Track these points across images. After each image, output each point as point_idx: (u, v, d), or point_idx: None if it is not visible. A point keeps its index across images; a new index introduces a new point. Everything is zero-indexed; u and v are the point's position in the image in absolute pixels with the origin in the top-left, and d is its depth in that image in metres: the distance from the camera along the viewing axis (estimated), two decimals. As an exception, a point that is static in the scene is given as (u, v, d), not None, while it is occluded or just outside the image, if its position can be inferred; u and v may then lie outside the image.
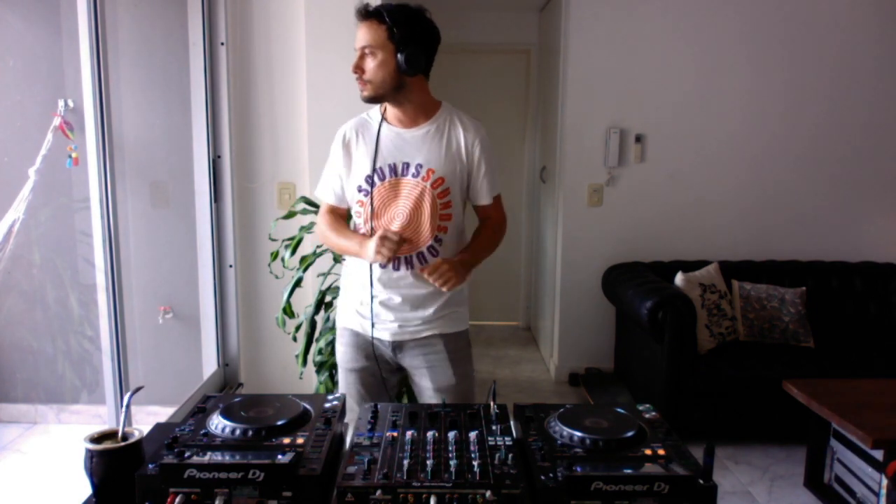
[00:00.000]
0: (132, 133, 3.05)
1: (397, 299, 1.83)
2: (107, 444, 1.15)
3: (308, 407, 1.28)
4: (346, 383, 1.94)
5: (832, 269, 3.72)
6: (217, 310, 3.16)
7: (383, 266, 1.81)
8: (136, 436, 1.18)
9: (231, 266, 3.18)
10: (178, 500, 1.02)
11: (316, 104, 3.04)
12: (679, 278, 3.33)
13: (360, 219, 1.86)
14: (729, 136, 3.84)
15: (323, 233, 1.91)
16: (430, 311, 1.85)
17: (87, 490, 1.17)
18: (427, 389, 1.88)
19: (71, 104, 2.87)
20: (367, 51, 1.70)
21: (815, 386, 2.56)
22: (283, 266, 2.75)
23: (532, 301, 5.03)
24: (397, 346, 1.87)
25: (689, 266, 3.53)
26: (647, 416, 1.29)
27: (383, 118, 1.83)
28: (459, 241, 1.90)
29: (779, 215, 3.90)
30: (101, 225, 2.18)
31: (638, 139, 3.83)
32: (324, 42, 3.01)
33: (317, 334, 2.74)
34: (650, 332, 3.10)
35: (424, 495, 1.00)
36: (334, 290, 2.76)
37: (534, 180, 4.87)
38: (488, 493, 1.00)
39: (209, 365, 3.20)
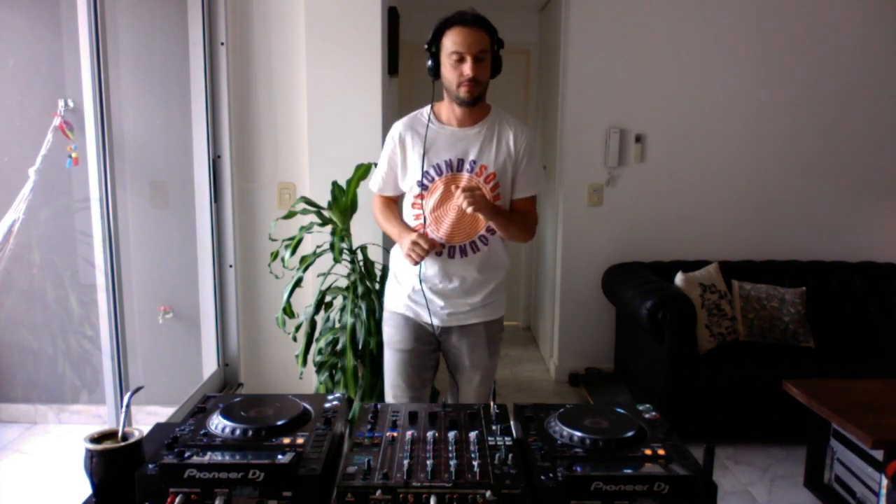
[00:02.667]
0: (132, 133, 3.04)
1: (450, 285, 2.00)
2: (107, 444, 1.15)
3: (308, 407, 1.28)
4: (395, 362, 2.11)
5: (832, 269, 3.72)
6: (217, 310, 3.16)
7: (439, 254, 1.98)
8: (136, 436, 1.18)
9: (231, 266, 3.18)
10: (178, 500, 1.02)
11: (316, 104, 3.04)
12: (679, 278, 3.33)
13: (418, 209, 2.00)
14: (729, 136, 3.84)
15: (376, 216, 2.13)
16: (478, 297, 2.04)
17: (87, 490, 1.17)
18: (463, 366, 2.09)
19: (71, 104, 2.87)
20: (481, 55, 1.85)
21: (815, 386, 2.56)
22: (283, 266, 2.75)
23: (532, 301, 5.03)
24: (444, 330, 2.06)
25: (689, 266, 3.53)
26: (647, 416, 1.29)
27: (436, 118, 1.98)
28: None
29: (779, 215, 3.90)
30: (101, 225, 2.18)
31: (638, 139, 3.83)
32: (324, 42, 3.01)
33: (317, 334, 2.74)
34: (650, 332, 3.10)
35: (424, 495, 1.00)
36: (334, 290, 2.76)
37: (534, 180, 4.87)
38: (488, 493, 1.00)
39: (209, 365, 3.20)
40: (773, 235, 3.90)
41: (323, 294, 2.74)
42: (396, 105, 4.16)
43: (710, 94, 3.80)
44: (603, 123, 3.82)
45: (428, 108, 2.01)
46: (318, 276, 2.83)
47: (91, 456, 1.14)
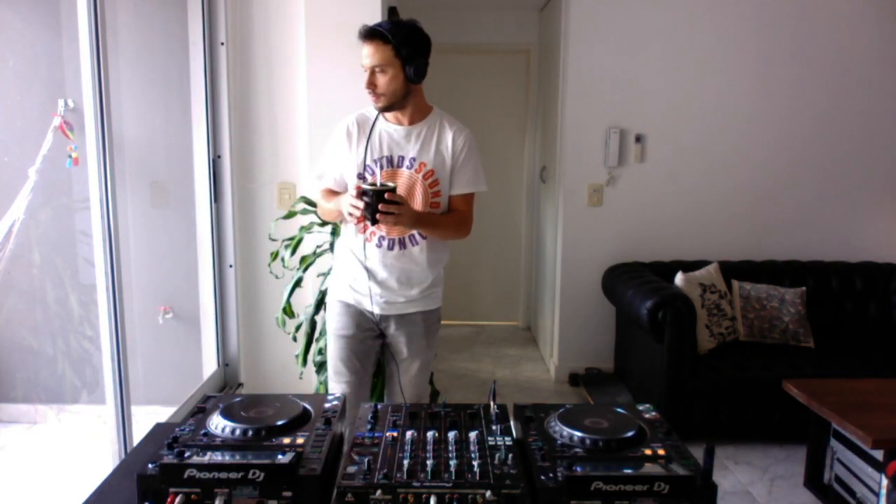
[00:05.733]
0: (132, 133, 3.05)
1: (389, 276, 2.08)
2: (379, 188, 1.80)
3: (308, 407, 1.28)
4: (336, 348, 2.19)
5: (832, 269, 3.72)
6: (217, 310, 3.16)
7: (378, 246, 2.06)
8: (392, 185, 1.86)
9: (231, 266, 3.18)
10: (178, 500, 1.02)
11: (316, 104, 3.04)
12: (679, 278, 3.33)
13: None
14: (729, 135, 3.84)
15: (321, 206, 2.17)
16: (415, 290, 2.12)
17: (87, 490, 1.17)
18: (402, 354, 2.18)
19: (71, 104, 2.87)
20: (377, 69, 1.92)
21: (815, 386, 2.56)
22: (283, 266, 2.75)
23: (532, 301, 5.03)
24: (384, 318, 2.14)
25: (689, 266, 3.53)
26: (647, 416, 1.29)
27: (382, 116, 2.05)
28: None
29: (779, 215, 3.90)
30: (101, 225, 2.18)
31: (638, 139, 3.83)
32: (324, 42, 3.01)
33: (317, 334, 2.74)
34: (650, 332, 3.10)
35: (424, 495, 1.00)
36: (334, 290, 2.76)
37: (534, 180, 4.87)
38: (488, 493, 1.00)
39: (209, 365, 3.20)
40: (773, 235, 3.90)
41: (323, 294, 2.74)
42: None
43: (710, 94, 3.80)
44: (603, 123, 3.82)
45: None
46: (318, 276, 2.83)
47: (366, 193, 1.81)
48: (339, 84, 3.03)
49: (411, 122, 2.05)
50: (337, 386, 2.21)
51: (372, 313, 2.12)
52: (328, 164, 2.13)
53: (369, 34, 1.91)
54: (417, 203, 2.04)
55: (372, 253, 2.07)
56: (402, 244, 2.06)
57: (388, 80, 1.93)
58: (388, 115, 2.05)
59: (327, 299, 2.25)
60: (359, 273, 2.10)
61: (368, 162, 2.03)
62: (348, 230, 2.13)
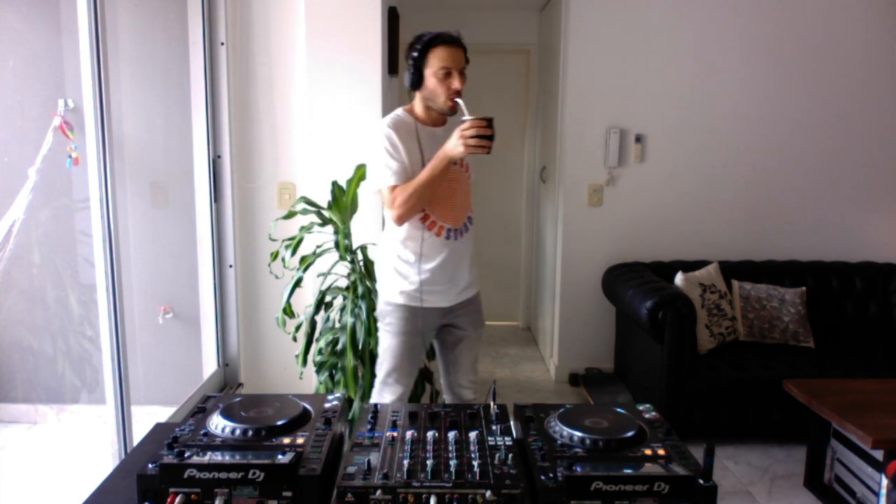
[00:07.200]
0: (132, 133, 3.04)
1: (459, 266, 2.21)
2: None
3: (308, 407, 1.28)
4: (406, 348, 2.24)
5: (832, 269, 3.72)
6: (217, 310, 3.16)
7: (448, 238, 2.15)
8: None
9: (231, 266, 3.18)
10: (178, 500, 1.02)
11: (316, 104, 3.04)
12: (679, 278, 3.33)
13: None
14: (729, 135, 3.84)
15: (405, 193, 2.06)
16: (471, 270, 2.27)
17: (87, 490, 1.17)
18: (466, 333, 2.31)
19: (71, 104, 2.87)
20: (461, 71, 2.13)
21: (815, 386, 2.56)
22: (283, 266, 2.75)
23: (532, 301, 5.03)
24: (449, 309, 2.24)
25: (689, 266, 3.53)
26: (647, 416, 1.29)
27: (418, 121, 2.18)
28: None
29: (779, 215, 3.90)
30: (101, 225, 2.18)
31: (638, 139, 3.83)
32: (324, 42, 3.00)
33: (317, 334, 2.74)
34: (650, 332, 3.10)
35: (424, 495, 1.00)
36: (334, 290, 2.76)
37: (534, 180, 4.87)
38: (488, 493, 1.00)
39: (209, 365, 3.20)
40: (773, 235, 3.90)
41: (323, 294, 2.74)
42: (396, 105, 4.16)
43: (709, 94, 3.80)
44: (603, 123, 3.82)
45: (401, 111, 2.22)
46: (318, 276, 2.83)
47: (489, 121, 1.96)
48: (338, 84, 3.03)
49: (444, 122, 2.22)
50: (398, 383, 2.24)
51: (437, 308, 2.21)
52: (398, 165, 2.09)
53: (456, 41, 2.13)
54: (468, 197, 2.24)
55: (443, 247, 2.17)
56: (466, 230, 2.23)
57: (463, 81, 2.15)
58: (425, 118, 2.18)
59: (387, 303, 2.22)
60: (431, 272, 2.16)
61: (422, 165, 2.11)
62: (407, 232, 2.15)
